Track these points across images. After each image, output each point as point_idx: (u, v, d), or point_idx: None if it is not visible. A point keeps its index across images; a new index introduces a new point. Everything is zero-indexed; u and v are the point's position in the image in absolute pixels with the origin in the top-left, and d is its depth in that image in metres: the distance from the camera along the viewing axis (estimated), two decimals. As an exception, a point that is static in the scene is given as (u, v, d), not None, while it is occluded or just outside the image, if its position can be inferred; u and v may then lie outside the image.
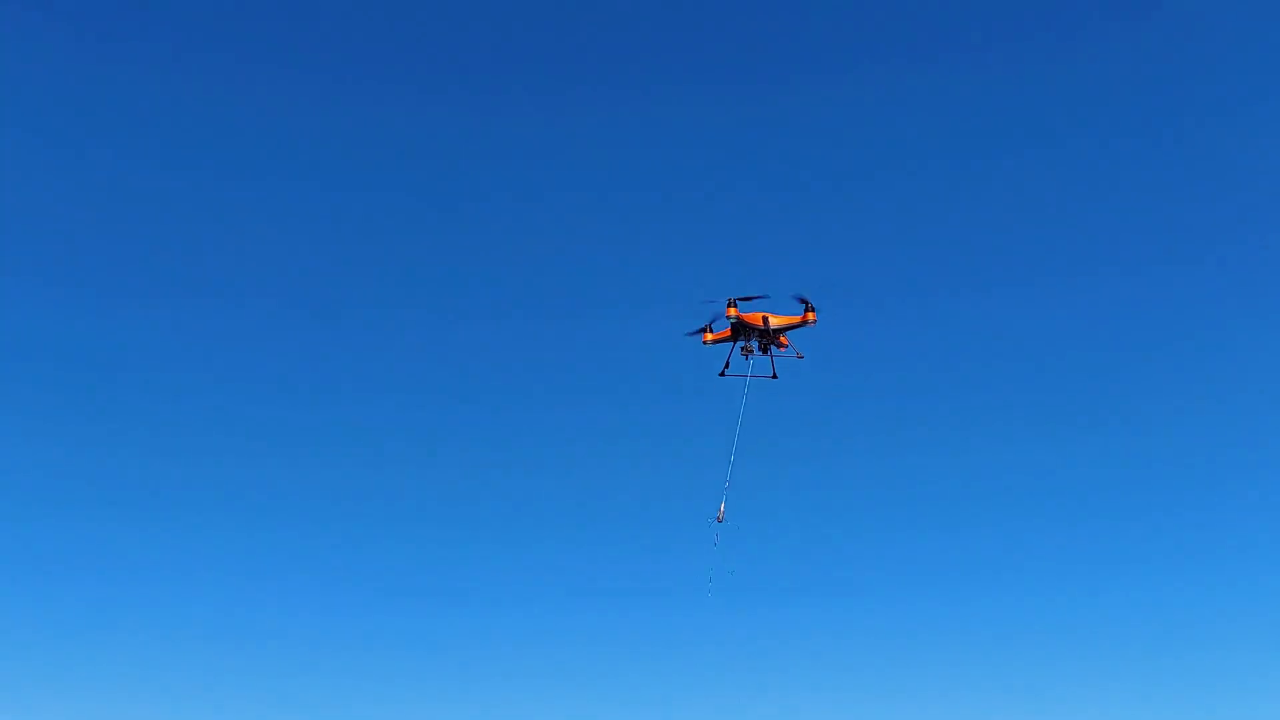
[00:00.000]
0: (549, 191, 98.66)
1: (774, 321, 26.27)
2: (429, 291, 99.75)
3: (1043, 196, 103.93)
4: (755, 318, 26.08)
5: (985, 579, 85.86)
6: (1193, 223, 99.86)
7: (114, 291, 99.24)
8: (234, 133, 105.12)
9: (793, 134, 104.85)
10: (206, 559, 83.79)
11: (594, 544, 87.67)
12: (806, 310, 26.73)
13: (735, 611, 77.75)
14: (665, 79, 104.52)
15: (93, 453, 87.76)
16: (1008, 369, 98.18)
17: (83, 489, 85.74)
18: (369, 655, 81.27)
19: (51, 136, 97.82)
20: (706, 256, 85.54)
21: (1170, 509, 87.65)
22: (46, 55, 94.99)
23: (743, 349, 26.60)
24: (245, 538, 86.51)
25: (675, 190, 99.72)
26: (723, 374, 26.49)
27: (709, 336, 26.77)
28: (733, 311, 25.40)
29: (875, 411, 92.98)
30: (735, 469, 28.16)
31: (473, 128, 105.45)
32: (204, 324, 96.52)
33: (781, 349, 26.69)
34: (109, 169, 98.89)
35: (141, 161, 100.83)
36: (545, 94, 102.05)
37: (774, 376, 26.53)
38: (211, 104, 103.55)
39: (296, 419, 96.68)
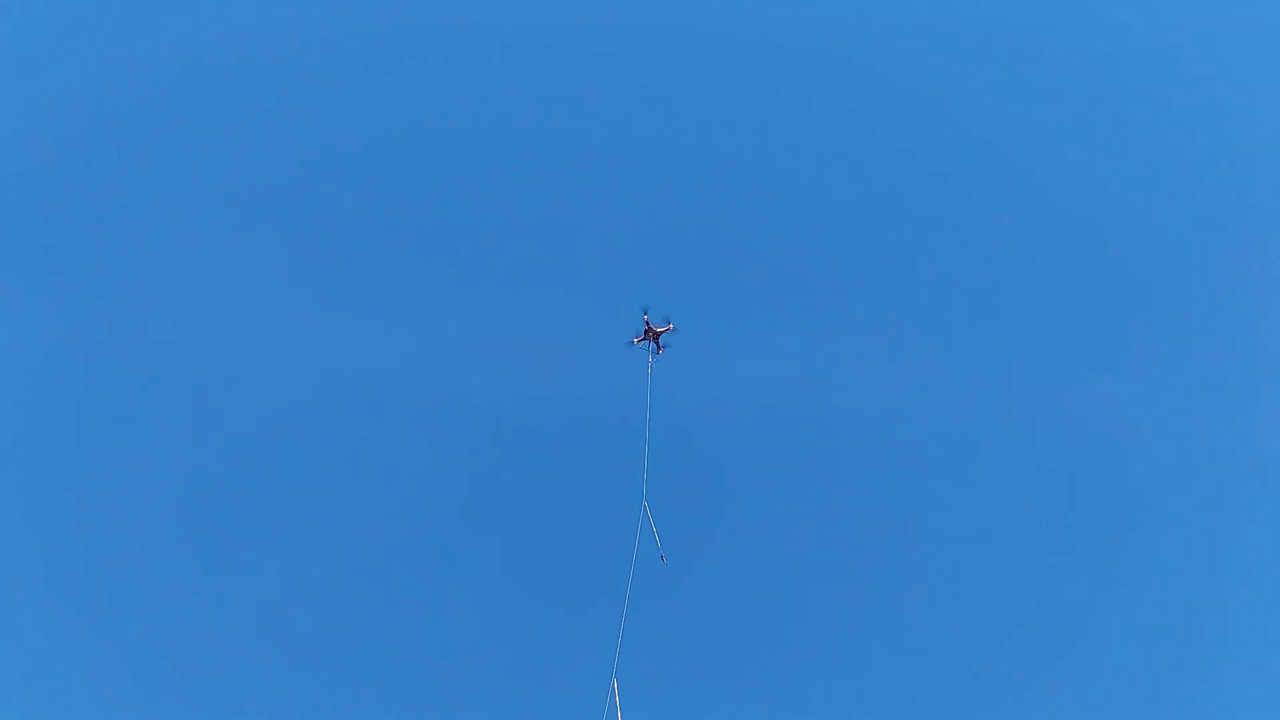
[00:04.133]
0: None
1: (660, 330, 50.30)
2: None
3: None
4: (652, 327, 50.14)
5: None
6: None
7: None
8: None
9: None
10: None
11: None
12: (668, 324, 50.21)
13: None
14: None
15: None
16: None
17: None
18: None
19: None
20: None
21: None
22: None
23: (647, 335, 51.02)
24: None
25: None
26: (633, 345, 50.55)
27: (636, 339, 50.77)
28: (645, 318, 50.00)
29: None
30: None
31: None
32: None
33: (659, 349, 51.16)
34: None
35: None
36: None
37: (659, 351, 50.64)
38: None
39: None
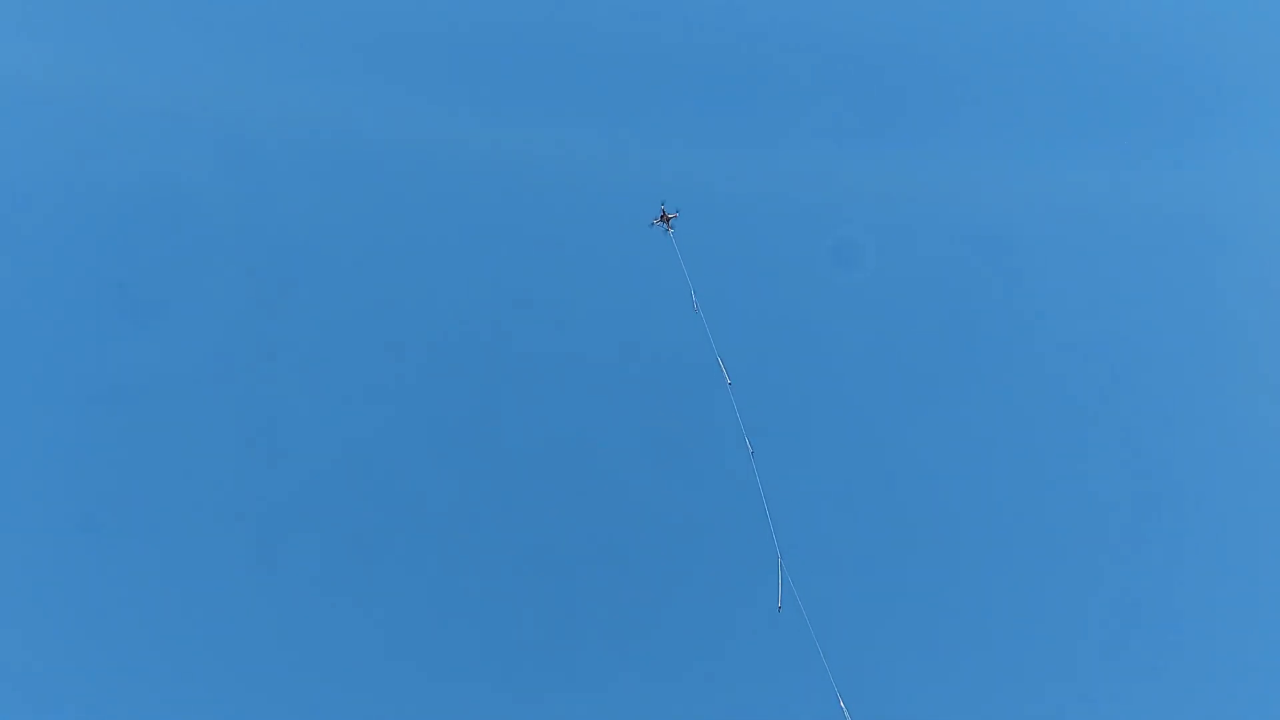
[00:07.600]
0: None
1: (671, 215, 65.28)
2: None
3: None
4: (665, 213, 65.17)
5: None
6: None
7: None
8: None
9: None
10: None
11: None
12: (677, 212, 65.16)
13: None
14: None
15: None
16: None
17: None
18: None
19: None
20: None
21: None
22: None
23: (662, 219, 66.02)
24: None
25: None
26: (651, 226, 65.96)
27: (654, 221, 65.84)
28: (661, 208, 65.16)
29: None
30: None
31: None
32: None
33: (669, 228, 65.32)
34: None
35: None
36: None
37: (669, 230, 65.12)
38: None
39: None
